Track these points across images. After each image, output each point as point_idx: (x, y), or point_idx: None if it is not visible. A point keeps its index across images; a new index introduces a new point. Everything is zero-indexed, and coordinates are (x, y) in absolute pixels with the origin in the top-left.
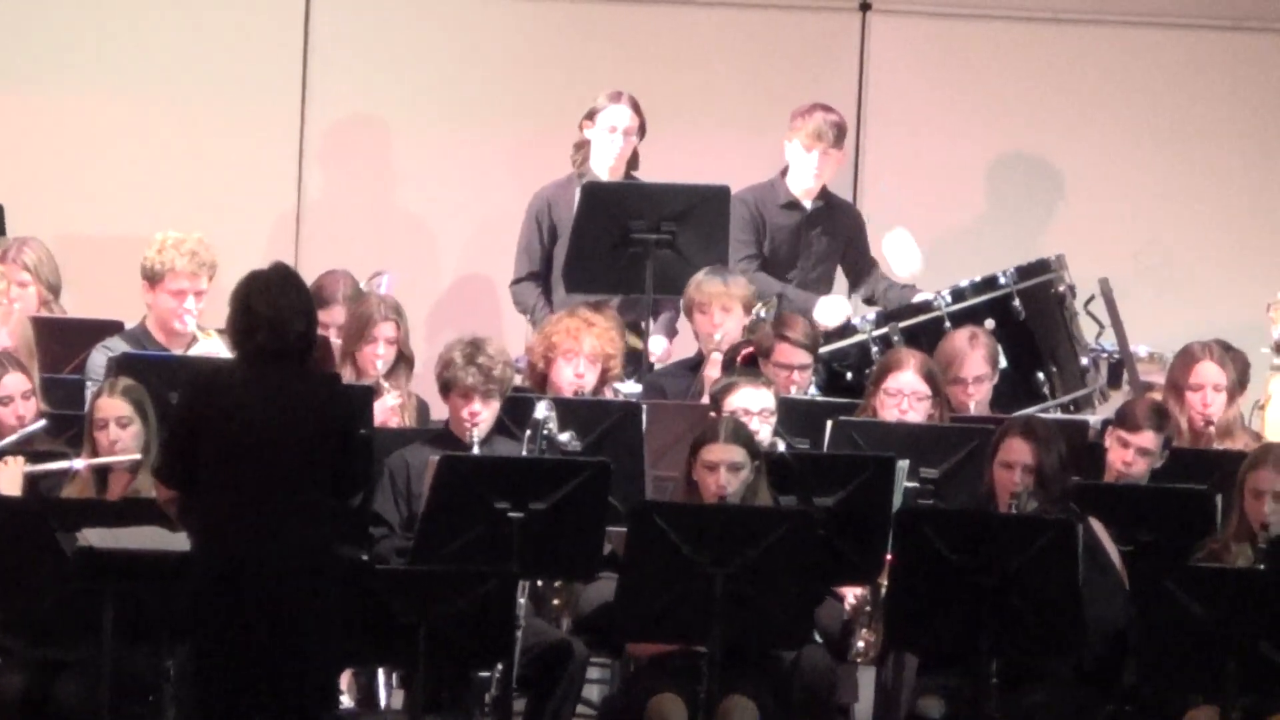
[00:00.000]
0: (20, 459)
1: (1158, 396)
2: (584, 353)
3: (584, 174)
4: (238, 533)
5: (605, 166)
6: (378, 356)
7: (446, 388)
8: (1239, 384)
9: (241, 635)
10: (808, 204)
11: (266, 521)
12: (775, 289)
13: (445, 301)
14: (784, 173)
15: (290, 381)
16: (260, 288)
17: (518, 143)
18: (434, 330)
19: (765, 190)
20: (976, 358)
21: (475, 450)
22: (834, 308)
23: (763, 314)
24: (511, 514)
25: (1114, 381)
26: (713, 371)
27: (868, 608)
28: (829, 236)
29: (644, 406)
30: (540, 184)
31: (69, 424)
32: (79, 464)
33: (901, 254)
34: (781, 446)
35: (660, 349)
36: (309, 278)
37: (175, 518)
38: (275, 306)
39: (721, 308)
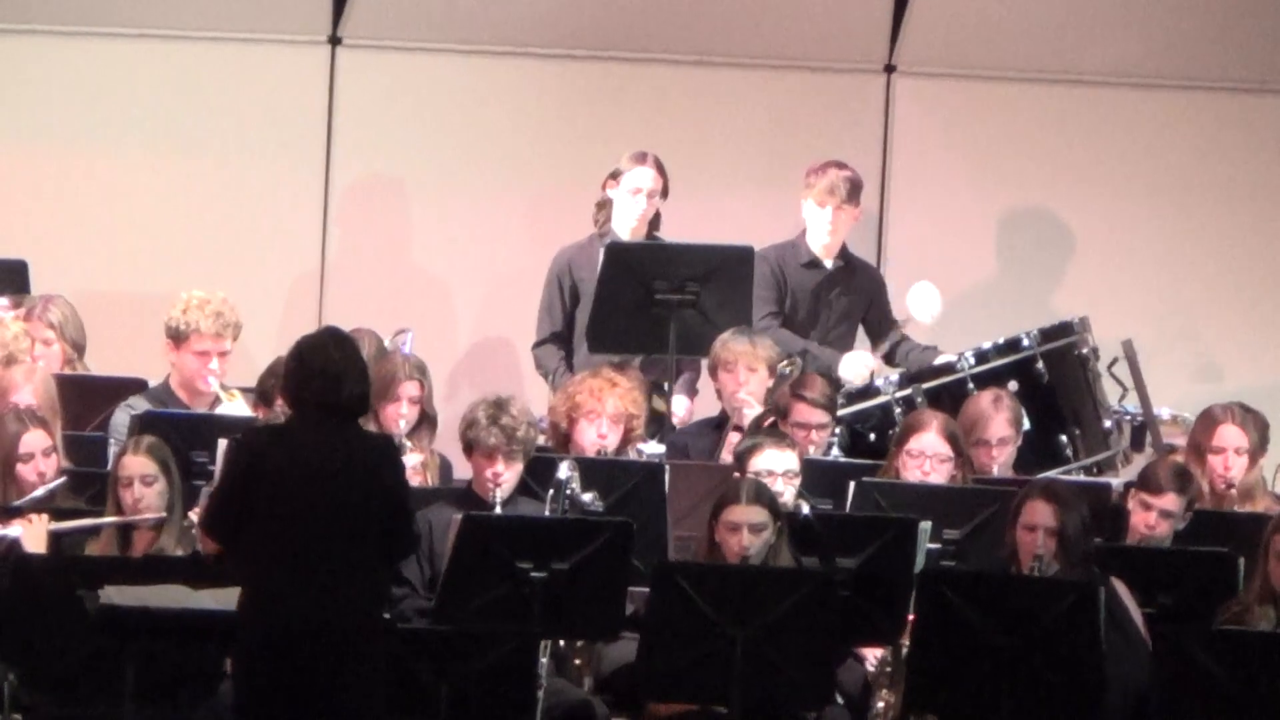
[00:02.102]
0: (45, 516)
1: (1180, 459)
2: (607, 413)
3: (605, 234)
4: (287, 592)
5: (627, 227)
6: (400, 416)
7: (470, 448)
8: (1260, 446)
9: (287, 695)
10: (828, 263)
11: (316, 582)
12: (798, 346)
13: (466, 360)
14: (804, 232)
15: (344, 442)
16: (314, 344)
17: (540, 203)
18: (454, 389)
19: (787, 249)
20: (1000, 420)
21: (498, 510)
22: (858, 363)
23: (787, 373)
24: (533, 574)
25: (1137, 444)
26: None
27: (888, 668)
28: (849, 296)
29: (667, 467)
30: (560, 244)
31: (91, 481)
32: (103, 522)
33: (923, 303)
34: (806, 509)
35: (682, 409)
36: None
37: (216, 566)
38: (330, 359)
39: (747, 367)
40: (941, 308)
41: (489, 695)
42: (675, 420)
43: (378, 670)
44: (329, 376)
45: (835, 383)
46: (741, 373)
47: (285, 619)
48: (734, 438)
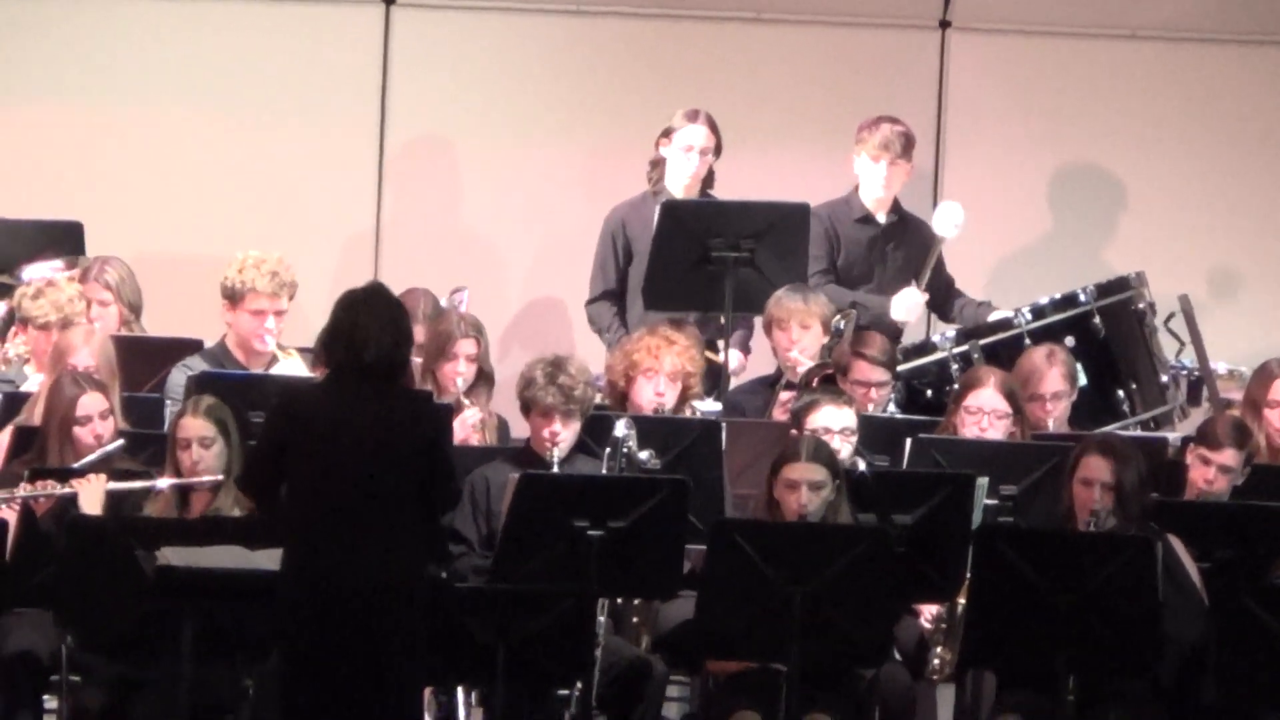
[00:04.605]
0: (103, 477)
1: (1237, 413)
2: (664, 371)
3: (659, 192)
4: (328, 550)
5: (680, 185)
6: (458, 374)
7: (527, 407)
8: None
9: (330, 652)
10: (881, 218)
11: (357, 539)
12: (847, 299)
13: (518, 320)
14: (857, 188)
15: (379, 399)
16: (346, 304)
17: (593, 162)
18: (506, 349)
19: (839, 206)
20: (1054, 375)
21: (555, 469)
22: (909, 301)
23: (841, 325)
24: (591, 532)
25: (1194, 399)
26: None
27: (944, 625)
28: (904, 250)
29: (723, 425)
30: (614, 202)
31: (148, 442)
32: (161, 483)
33: (946, 218)
34: (862, 466)
35: (735, 363)
36: None
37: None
38: (357, 324)
39: (800, 324)
40: (963, 220)
41: (546, 654)
42: (730, 370)
43: (420, 627)
44: (353, 341)
45: (895, 338)
46: (795, 329)
47: (325, 578)
48: (785, 395)
